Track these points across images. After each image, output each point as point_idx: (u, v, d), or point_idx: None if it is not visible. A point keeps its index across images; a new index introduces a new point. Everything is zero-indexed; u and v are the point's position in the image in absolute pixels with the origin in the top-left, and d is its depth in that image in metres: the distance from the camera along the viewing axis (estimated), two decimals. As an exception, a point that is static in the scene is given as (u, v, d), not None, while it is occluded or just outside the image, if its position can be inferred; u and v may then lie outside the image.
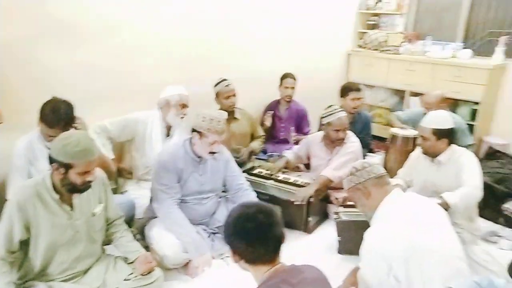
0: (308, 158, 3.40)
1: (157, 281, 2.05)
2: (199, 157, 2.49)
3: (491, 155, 3.90)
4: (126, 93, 3.04)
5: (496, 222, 3.02)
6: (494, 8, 4.44)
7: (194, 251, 2.37)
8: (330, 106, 3.14)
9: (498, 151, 3.95)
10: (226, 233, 1.49)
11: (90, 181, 1.82)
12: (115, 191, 2.78)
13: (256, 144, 3.55)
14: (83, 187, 1.82)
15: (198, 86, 3.29)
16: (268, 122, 3.87)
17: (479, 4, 4.55)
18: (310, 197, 2.81)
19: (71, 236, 1.91)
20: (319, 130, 3.53)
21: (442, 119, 2.62)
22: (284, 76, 3.89)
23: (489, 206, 3.01)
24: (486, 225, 2.95)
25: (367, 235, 1.78)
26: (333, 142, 3.11)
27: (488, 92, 4.16)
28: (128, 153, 2.99)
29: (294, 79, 3.89)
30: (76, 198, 1.89)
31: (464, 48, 4.52)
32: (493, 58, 4.26)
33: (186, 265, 2.42)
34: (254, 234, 1.42)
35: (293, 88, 3.88)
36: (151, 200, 2.55)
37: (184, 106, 2.88)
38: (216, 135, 2.39)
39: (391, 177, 3.45)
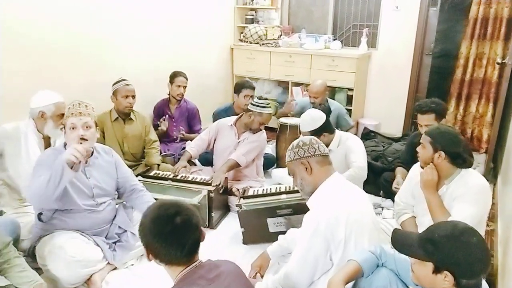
0: (210, 145, 3.41)
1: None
2: None
3: (366, 135, 4.35)
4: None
5: (378, 195, 3.35)
6: (355, 2, 4.92)
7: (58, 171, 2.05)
8: (265, 98, 3.26)
9: (372, 131, 4.43)
10: (141, 232, 1.44)
11: None
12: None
13: (157, 159, 3.40)
14: None
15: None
16: (164, 126, 3.78)
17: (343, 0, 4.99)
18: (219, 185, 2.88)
19: None
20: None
21: (311, 120, 2.88)
22: (176, 75, 3.82)
23: (370, 181, 3.32)
24: (369, 199, 3.23)
25: (311, 217, 1.80)
26: (250, 129, 3.22)
27: (358, 79, 4.59)
28: (2, 172, 2.56)
29: (186, 78, 3.84)
30: None
31: (334, 39, 4.93)
32: (359, 48, 4.73)
33: (87, 281, 2.25)
34: (169, 238, 1.38)
35: (185, 86, 3.84)
36: (38, 217, 2.29)
37: (62, 116, 2.50)
38: (73, 117, 2.16)
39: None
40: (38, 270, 2.12)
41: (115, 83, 3.27)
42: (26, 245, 2.34)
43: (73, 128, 2.18)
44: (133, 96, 3.28)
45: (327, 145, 2.86)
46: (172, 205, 1.45)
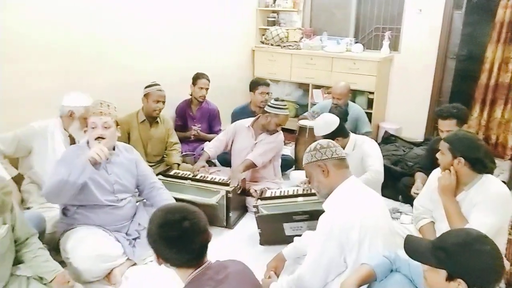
0: (228, 146, 3.45)
1: (77, 298, 1.94)
2: None
3: (387, 139, 4.31)
4: (15, 100, 2.75)
5: (396, 200, 3.33)
6: (378, 5, 4.88)
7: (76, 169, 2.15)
8: (282, 100, 3.30)
9: (393, 135, 4.38)
10: (149, 238, 1.46)
11: None
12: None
13: (177, 159, 3.48)
14: None
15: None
16: (193, 136, 3.86)
17: (365, 2, 4.96)
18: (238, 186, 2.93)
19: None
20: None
21: (324, 124, 2.88)
22: (198, 77, 3.87)
23: (389, 186, 3.30)
24: (388, 203, 3.21)
25: (326, 220, 1.81)
26: (267, 130, 3.25)
27: (379, 82, 4.55)
28: (28, 168, 2.69)
29: (208, 80, 3.89)
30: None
31: (356, 42, 4.90)
32: (381, 51, 4.70)
33: (108, 275, 2.32)
34: (179, 242, 1.40)
35: (207, 88, 3.90)
36: (63, 212, 2.38)
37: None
38: (94, 116, 2.29)
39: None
40: (62, 263, 2.19)
41: (148, 86, 3.33)
42: (51, 239, 2.43)
43: (93, 127, 2.28)
44: (163, 102, 3.34)
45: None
46: (178, 209, 1.46)
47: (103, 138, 2.29)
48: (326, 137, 2.73)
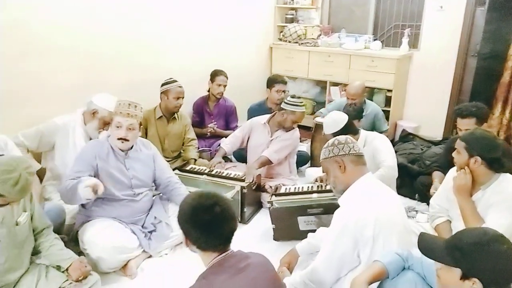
0: (244, 143, 3.48)
1: (94, 286, 1.99)
2: (123, 150, 2.44)
3: (405, 138, 4.27)
4: (36, 97, 2.82)
5: (413, 198, 3.30)
6: (397, 2, 4.82)
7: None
8: (299, 97, 3.32)
9: (411, 134, 4.34)
10: (180, 219, 1.51)
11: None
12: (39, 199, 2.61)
13: (194, 154, 3.51)
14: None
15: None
16: (209, 133, 3.88)
17: (385, -1, 4.92)
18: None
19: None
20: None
21: (333, 122, 2.87)
22: (217, 73, 3.88)
23: (405, 185, 3.29)
24: (404, 202, 3.19)
25: (341, 215, 1.82)
26: (283, 127, 3.26)
27: (398, 80, 4.50)
28: (50, 161, 2.75)
29: (226, 77, 3.90)
30: (-2, 208, 1.76)
31: (375, 40, 4.85)
32: (400, 49, 4.64)
33: (124, 267, 2.37)
34: (209, 226, 1.45)
35: (225, 85, 3.91)
36: (81, 204, 2.44)
37: (108, 124, 2.66)
38: (120, 116, 2.33)
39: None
40: (81, 254, 2.24)
41: (166, 83, 3.35)
42: (70, 230, 2.50)
43: (118, 127, 2.34)
44: (183, 98, 3.38)
45: None
46: (211, 195, 1.51)
47: (126, 140, 2.36)
48: (335, 134, 2.72)
